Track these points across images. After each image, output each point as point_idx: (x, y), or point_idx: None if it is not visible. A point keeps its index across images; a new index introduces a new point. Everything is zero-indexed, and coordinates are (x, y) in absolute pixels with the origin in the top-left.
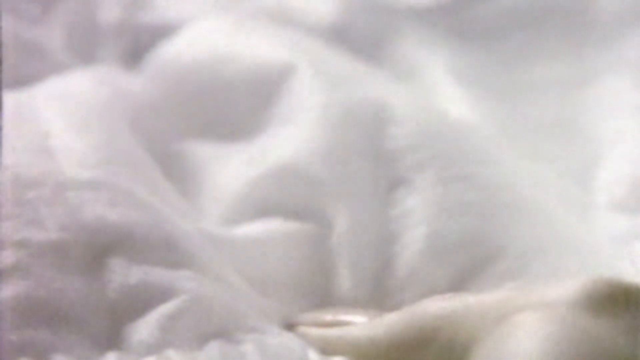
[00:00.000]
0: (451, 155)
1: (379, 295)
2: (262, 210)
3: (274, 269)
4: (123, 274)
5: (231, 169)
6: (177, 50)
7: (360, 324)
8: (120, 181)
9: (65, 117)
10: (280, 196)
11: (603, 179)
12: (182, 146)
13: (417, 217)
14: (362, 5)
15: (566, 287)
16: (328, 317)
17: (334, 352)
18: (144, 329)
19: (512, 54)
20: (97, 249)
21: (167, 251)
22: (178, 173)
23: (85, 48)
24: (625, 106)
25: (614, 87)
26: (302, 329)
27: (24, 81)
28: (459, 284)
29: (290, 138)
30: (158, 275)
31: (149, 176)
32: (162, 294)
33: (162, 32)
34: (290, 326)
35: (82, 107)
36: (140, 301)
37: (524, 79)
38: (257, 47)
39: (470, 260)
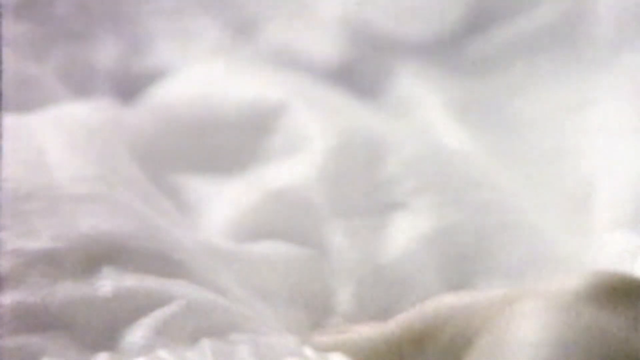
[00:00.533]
0: (446, 181)
1: (377, 309)
2: (260, 233)
3: (275, 283)
4: (117, 280)
5: (227, 197)
6: (172, 89)
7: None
8: (115, 194)
9: (61, 136)
10: (278, 220)
11: (604, 199)
12: (176, 179)
13: (412, 236)
14: (364, 44)
15: (572, 278)
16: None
17: (347, 352)
18: (137, 332)
19: (509, 84)
20: (91, 257)
21: (162, 261)
22: (174, 204)
23: (80, 89)
24: (623, 127)
25: (611, 110)
26: (316, 338)
27: (21, 109)
28: None
29: (286, 166)
30: (152, 282)
31: (144, 190)
32: (156, 300)
33: (157, 77)
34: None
35: (78, 127)
36: (134, 306)
37: (521, 109)
38: (251, 86)
39: (464, 276)
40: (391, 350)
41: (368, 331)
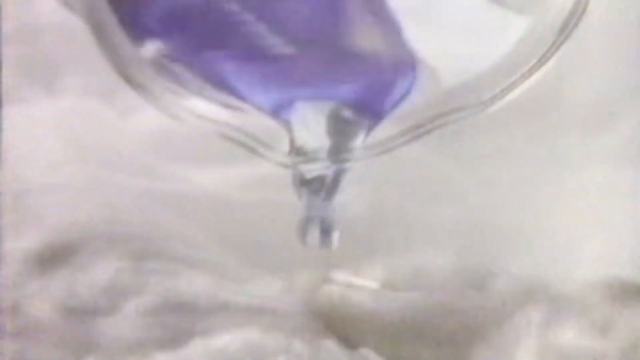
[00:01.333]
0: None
1: None
2: None
3: (278, 234)
4: (90, 271)
5: None
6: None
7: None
8: (79, 181)
9: (22, 129)
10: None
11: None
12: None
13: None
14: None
15: (585, 281)
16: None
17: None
18: (119, 326)
19: (482, 156)
20: (60, 250)
21: (133, 243)
22: None
23: None
24: (613, 189)
25: (593, 178)
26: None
27: None
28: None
29: None
30: (127, 269)
31: (123, 167)
32: (135, 289)
33: None
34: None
35: (41, 120)
36: (112, 297)
37: (495, 181)
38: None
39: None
40: (392, 327)
41: (374, 302)
